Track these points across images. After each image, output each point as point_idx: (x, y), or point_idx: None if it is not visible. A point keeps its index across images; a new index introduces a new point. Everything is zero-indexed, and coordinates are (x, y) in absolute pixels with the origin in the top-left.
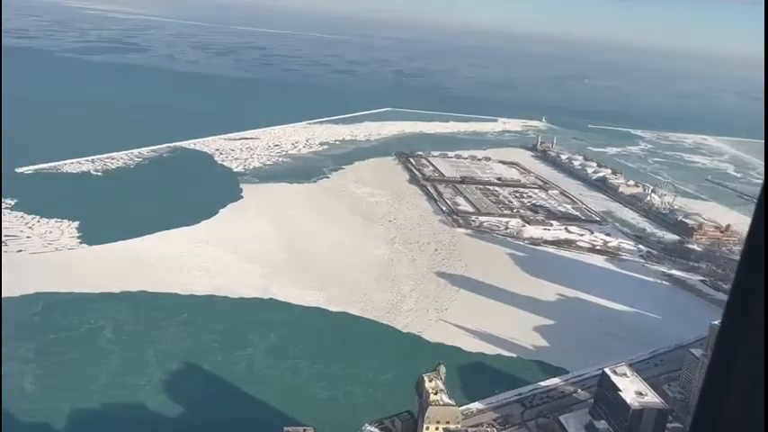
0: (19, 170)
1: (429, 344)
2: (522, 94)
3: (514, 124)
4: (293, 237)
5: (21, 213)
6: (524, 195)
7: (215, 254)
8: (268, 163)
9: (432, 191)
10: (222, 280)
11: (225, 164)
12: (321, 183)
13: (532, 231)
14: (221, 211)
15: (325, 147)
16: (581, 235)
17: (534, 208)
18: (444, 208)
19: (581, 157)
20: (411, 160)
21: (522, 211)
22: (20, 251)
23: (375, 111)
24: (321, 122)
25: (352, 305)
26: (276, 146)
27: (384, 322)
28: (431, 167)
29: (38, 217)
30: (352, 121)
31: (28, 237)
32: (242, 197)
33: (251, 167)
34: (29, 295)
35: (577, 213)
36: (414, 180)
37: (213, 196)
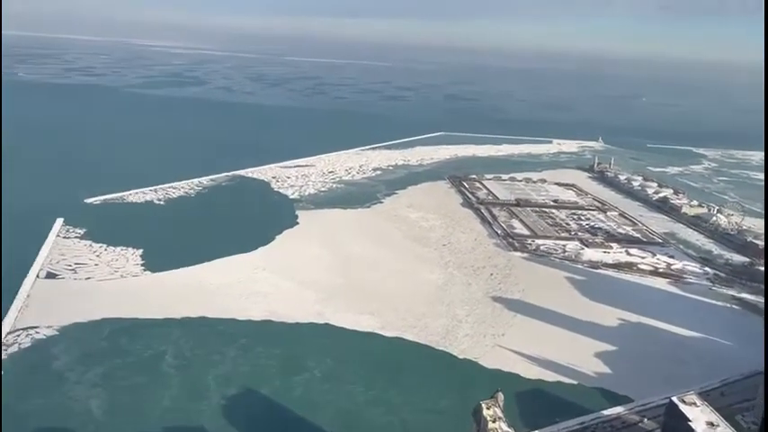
0: (88, 201)
1: (486, 370)
2: (576, 114)
3: (570, 145)
4: (347, 262)
5: (89, 242)
6: (582, 217)
7: (271, 280)
8: (323, 189)
9: (486, 214)
10: (279, 305)
11: (281, 191)
12: (374, 208)
13: (591, 254)
14: (277, 237)
15: (378, 172)
16: (642, 258)
17: (593, 230)
18: (499, 231)
19: (640, 178)
20: (464, 184)
21: (580, 233)
22: (88, 278)
23: (427, 135)
24: (374, 148)
25: (407, 330)
26: (330, 172)
27: (440, 348)
28: (484, 190)
29: (105, 245)
30: (404, 147)
31: (96, 264)
32: (297, 223)
33: (306, 194)
34: (96, 321)
35: (638, 235)
36: (467, 203)
37: (270, 223)
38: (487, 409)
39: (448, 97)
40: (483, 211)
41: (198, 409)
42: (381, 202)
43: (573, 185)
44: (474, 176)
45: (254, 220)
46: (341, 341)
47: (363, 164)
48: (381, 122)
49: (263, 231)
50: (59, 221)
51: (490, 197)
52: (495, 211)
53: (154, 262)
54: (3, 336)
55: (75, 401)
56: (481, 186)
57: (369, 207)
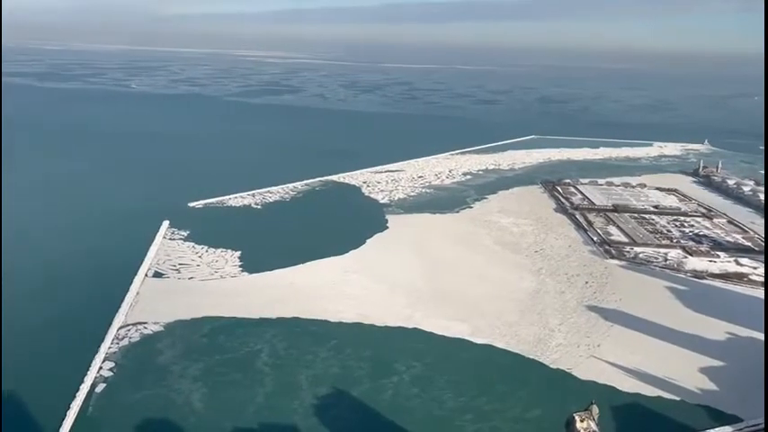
0: (191, 204)
1: (580, 381)
2: (679, 116)
3: (672, 148)
4: (437, 266)
5: (192, 244)
6: (685, 224)
7: (362, 283)
8: (412, 194)
9: (581, 220)
10: (369, 308)
11: (371, 196)
12: (464, 212)
13: (696, 263)
14: (368, 241)
15: (468, 177)
16: (754, 268)
17: (697, 238)
18: (595, 238)
19: (752, 182)
20: (558, 188)
21: (683, 241)
22: (191, 278)
23: (519, 139)
24: (464, 153)
25: (498, 338)
26: (420, 177)
27: (531, 357)
28: (579, 196)
29: (206, 247)
30: (495, 151)
31: (198, 265)
32: (387, 227)
33: (396, 198)
34: (197, 319)
35: (749, 244)
36: (561, 209)
37: (360, 227)
38: (581, 421)
39: (541, 100)
40: (578, 216)
41: (290, 407)
42: (471, 207)
43: (675, 190)
44: (568, 181)
45: (345, 224)
46: (430, 346)
47: (453, 168)
48: (472, 127)
49: (354, 235)
50: (165, 224)
51: (585, 202)
52: (591, 216)
53: (251, 263)
54: (115, 330)
55: (179, 394)
56: (576, 191)
57: (458, 212)
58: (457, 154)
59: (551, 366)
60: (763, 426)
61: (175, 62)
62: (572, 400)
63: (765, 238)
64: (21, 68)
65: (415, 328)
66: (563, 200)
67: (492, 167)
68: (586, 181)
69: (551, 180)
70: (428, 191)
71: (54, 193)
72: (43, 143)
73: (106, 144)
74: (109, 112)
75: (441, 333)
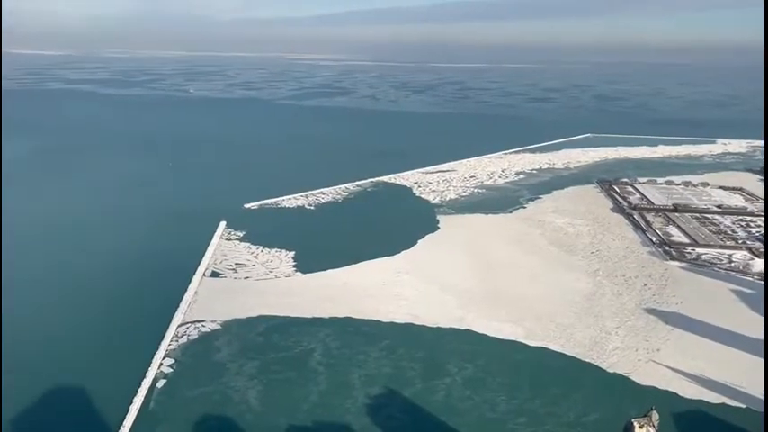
0: (246, 206)
1: (638, 386)
2: (745, 111)
3: (737, 145)
4: (489, 267)
5: (248, 244)
6: (752, 225)
7: (413, 283)
8: (464, 194)
9: (639, 220)
10: (420, 309)
11: (423, 196)
12: (517, 213)
13: (763, 266)
14: (419, 241)
15: (522, 176)
16: None
17: (765, 239)
18: (654, 239)
19: None
20: (615, 188)
21: (749, 242)
22: (247, 278)
23: (574, 138)
24: (517, 152)
25: (552, 340)
26: (472, 177)
27: (587, 360)
28: (637, 195)
29: (261, 247)
30: (549, 150)
31: (253, 265)
32: (439, 228)
33: (447, 199)
34: (253, 317)
35: None
36: (618, 209)
37: (412, 227)
38: (640, 427)
39: (596, 97)
40: (636, 217)
41: (344, 406)
42: (524, 207)
43: (740, 189)
44: (626, 180)
45: (396, 225)
46: (482, 348)
47: (506, 168)
48: (525, 125)
49: (405, 236)
50: (222, 224)
51: (644, 202)
52: (650, 217)
53: (304, 263)
54: (175, 327)
55: (235, 391)
56: (634, 191)
57: (511, 212)
58: (510, 153)
59: (608, 370)
60: None
61: (231, 67)
62: (630, 405)
63: (765, 238)
64: (86, 76)
65: (468, 330)
66: (620, 199)
67: (546, 167)
68: (645, 180)
69: (608, 179)
70: (480, 191)
71: (118, 194)
72: (106, 148)
73: (165, 148)
74: (168, 117)
75: (493, 335)
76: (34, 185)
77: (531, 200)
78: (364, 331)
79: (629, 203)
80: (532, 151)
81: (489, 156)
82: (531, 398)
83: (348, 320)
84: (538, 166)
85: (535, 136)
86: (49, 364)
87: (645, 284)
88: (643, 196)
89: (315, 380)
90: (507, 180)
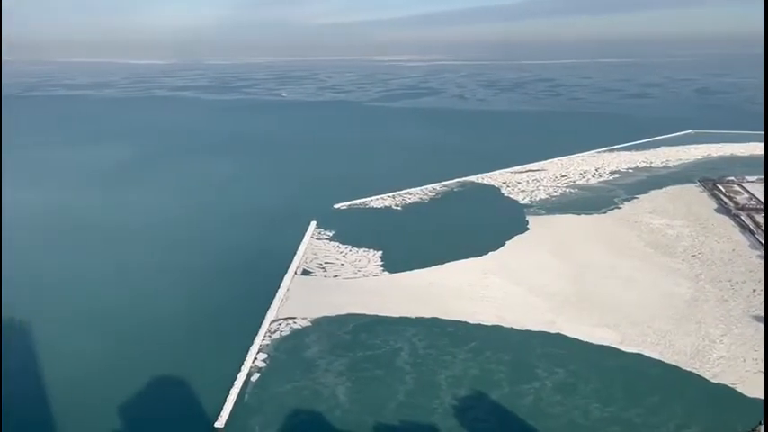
0: (336, 206)
1: (745, 399)
2: None
3: None
4: (581, 270)
5: (337, 243)
6: None
7: (501, 285)
8: (554, 194)
9: (747, 222)
10: (508, 311)
11: (511, 196)
12: (611, 213)
13: None
14: (507, 242)
15: (616, 175)
16: None
17: None
18: (764, 242)
19: None
20: (719, 187)
21: None
22: (336, 276)
23: (674, 134)
24: (611, 150)
25: (649, 347)
26: (563, 176)
27: (687, 369)
28: (745, 195)
29: (350, 246)
30: (646, 147)
31: (342, 264)
32: (528, 229)
33: (537, 199)
34: (342, 315)
35: None
36: (723, 210)
37: (500, 228)
38: None
39: (698, 91)
40: (743, 218)
41: (430, 406)
42: (619, 208)
43: None
44: (732, 179)
45: (484, 226)
46: (574, 352)
47: (600, 167)
48: (621, 123)
49: (493, 236)
50: (313, 224)
51: (753, 202)
52: (760, 218)
53: (391, 263)
54: (268, 323)
55: (324, 387)
56: (741, 190)
57: (605, 213)
58: (604, 152)
59: (712, 380)
60: None
61: (322, 70)
62: (736, 418)
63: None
64: (188, 83)
65: (558, 333)
66: (726, 200)
67: (643, 165)
68: (753, 179)
69: (711, 178)
70: (572, 191)
71: (216, 194)
72: (206, 150)
73: (259, 150)
74: (262, 120)
75: (585, 339)
76: (138, 186)
77: (627, 200)
78: (451, 332)
79: (736, 204)
80: (628, 149)
81: (582, 154)
82: (626, 406)
83: (435, 321)
84: (634, 165)
85: (631, 133)
86: (153, 355)
87: (753, 290)
88: (752, 196)
89: (402, 379)
90: (601, 179)
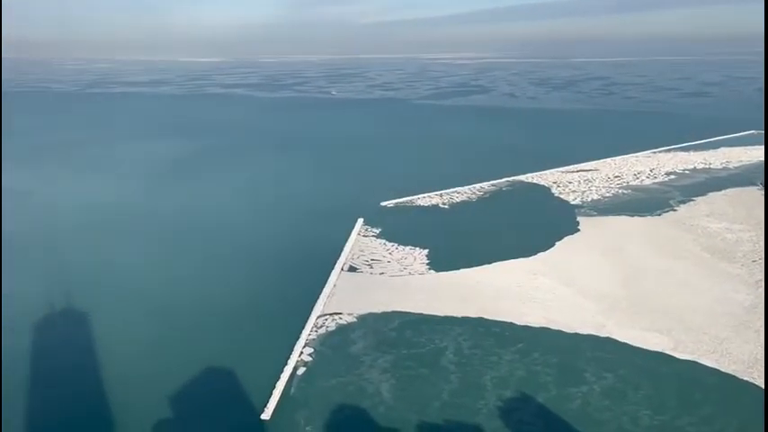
0: (383, 204)
1: None
2: None
3: None
4: (632, 273)
5: (383, 241)
6: None
7: (550, 287)
8: (607, 195)
9: None
10: (556, 313)
11: (561, 196)
12: (666, 216)
13: None
14: (557, 243)
15: (672, 177)
16: None
17: None
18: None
19: None
20: None
21: None
22: (382, 274)
23: (735, 135)
24: (668, 151)
25: (705, 355)
26: (616, 177)
27: (746, 378)
28: None
29: (396, 244)
30: (705, 148)
31: (388, 261)
32: (578, 230)
33: (588, 200)
34: (387, 313)
35: None
36: None
37: (549, 229)
38: None
39: (761, 90)
40: None
41: (475, 406)
42: (675, 210)
43: None
44: None
45: (533, 226)
46: (624, 358)
47: (655, 168)
48: (678, 122)
49: (542, 237)
50: (360, 221)
51: None
52: None
53: (438, 262)
54: (314, 318)
55: (369, 384)
56: None
57: (659, 215)
58: (660, 152)
59: None
60: None
61: (372, 68)
62: None
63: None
64: (239, 80)
65: (608, 338)
66: None
67: (701, 166)
68: None
69: None
70: (625, 192)
71: (265, 189)
72: (257, 147)
73: (309, 147)
74: (312, 118)
75: (636, 344)
76: (194, 180)
77: (683, 202)
78: (497, 333)
79: None
80: (685, 150)
81: (636, 154)
82: (678, 415)
83: (480, 321)
84: (691, 166)
85: (689, 133)
86: (204, 345)
87: None
88: None
89: (446, 378)
90: (656, 180)
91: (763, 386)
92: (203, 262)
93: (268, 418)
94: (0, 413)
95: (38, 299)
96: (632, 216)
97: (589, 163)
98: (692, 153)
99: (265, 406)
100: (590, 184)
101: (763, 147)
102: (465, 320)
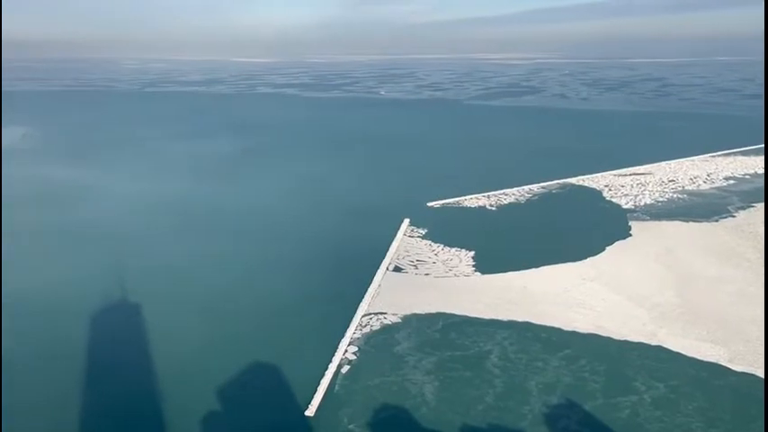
0: (429, 204)
1: None
2: None
3: None
4: (686, 281)
5: (429, 241)
6: None
7: (599, 292)
8: (661, 199)
9: None
10: (605, 320)
11: (613, 200)
12: (723, 222)
13: None
14: (608, 248)
15: (731, 182)
16: None
17: None
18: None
19: None
20: None
21: None
22: (427, 274)
23: None
24: (727, 155)
25: (762, 368)
26: (671, 181)
27: None
28: None
29: (442, 245)
30: None
31: (434, 262)
32: (630, 235)
33: (641, 204)
34: (432, 314)
35: None
36: None
37: (600, 233)
38: None
39: None
40: None
41: (520, 411)
42: (733, 216)
43: None
44: None
45: (583, 230)
46: (676, 367)
47: (712, 172)
48: (739, 125)
49: (592, 241)
50: (406, 222)
51: None
52: None
53: (484, 264)
54: (359, 317)
55: (412, 384)
56: None
57: (716, 221)
58: (718, 156)
59: None
60: None
61: (421, 68)
62: None
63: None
64: (290, 80)
65: (659, 346)
66: None
67: (762, 171)
68: None
69: None
70: (681, 196)
71: (313, 189)
72: (305, 146)
73: (357, 146)
74: (360, 118)
75: (689, 354)
76: (245, 178)
77: (742, 208)
78: (543, 338)
79: None
80: (746, 154)
81: (692, 158)
82: (733, 429)
83: (527, 325)
84: (752, 171)
85: (750, 137)
86: (251, 341)
87: None
88: None
89: (491, 382)
90: (713, 185)
91: None
92: (252, 259)
93: (312, 414)
94: (0, 413)
95: (95, 291)
96: (687, 221)
97: (642, 166)
98: (753, 157)
99: (309, 403)
100: (643, 187)
101: None
102: (511, 324)
